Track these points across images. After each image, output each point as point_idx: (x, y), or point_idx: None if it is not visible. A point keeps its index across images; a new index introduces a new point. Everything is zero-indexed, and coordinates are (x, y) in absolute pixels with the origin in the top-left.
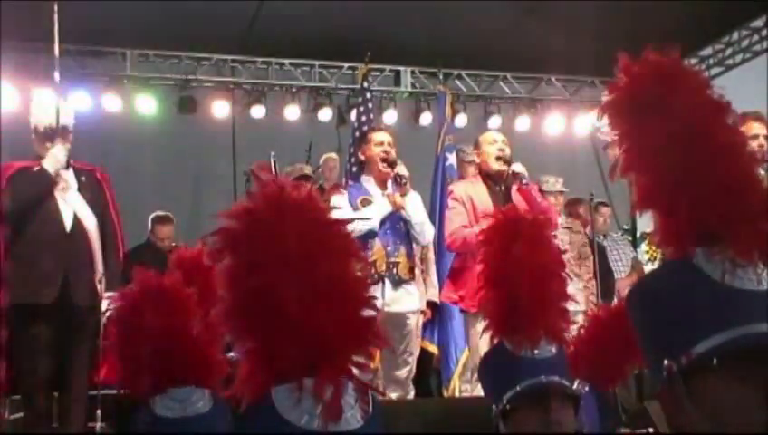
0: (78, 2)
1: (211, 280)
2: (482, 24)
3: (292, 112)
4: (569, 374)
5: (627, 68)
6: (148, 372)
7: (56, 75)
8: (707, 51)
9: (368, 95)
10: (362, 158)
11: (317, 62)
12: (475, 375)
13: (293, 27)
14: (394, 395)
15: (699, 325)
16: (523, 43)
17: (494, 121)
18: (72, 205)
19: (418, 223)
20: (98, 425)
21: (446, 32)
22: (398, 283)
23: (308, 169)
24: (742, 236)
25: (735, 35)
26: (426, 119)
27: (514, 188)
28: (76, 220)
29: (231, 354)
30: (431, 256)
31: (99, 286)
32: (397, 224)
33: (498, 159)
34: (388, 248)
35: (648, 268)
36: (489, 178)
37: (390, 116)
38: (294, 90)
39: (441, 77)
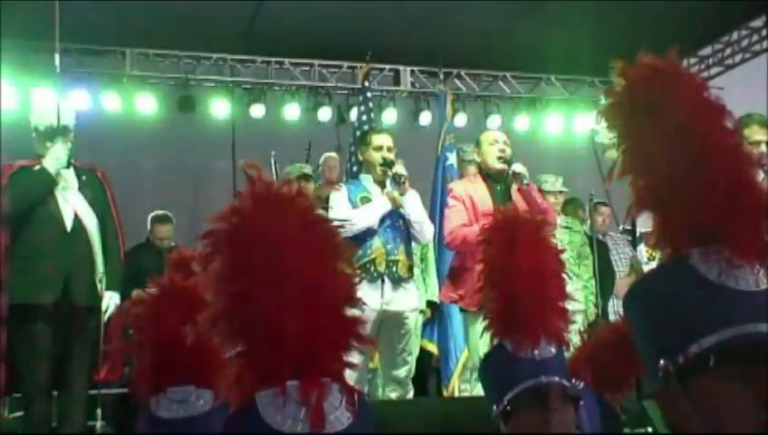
0: (78, 1)
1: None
2: (481, 24)
3: (292, 111)
4: (568, 374)
5: (623, 72)
6: (157, 372)
7: (56, 68)
8: (707, 50)
9: (368, 94)
10: (361, 159)
11: (317, 62)
12: (475, 375)
13: (293, 27)
14: (393, 395)
15: (695, 325)
16: (522, 43)
17: (494, 121)
18: (72, 204)
19: (417, 222)
20: (98, 424)
21: (445, 31)
22: (397, 281)
23: (308, 169)
24: (738, 236)
25: (735, 35)
26: (425, 118)
27: (514, 187)
28: (77, 220)
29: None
30: (431, 255)
31: (99, 286)
32: (396, 222)
33: (499, 158)
34: (388, 247)
35: (647, 268)
36: (489, 177)
37: (390, 115)
38: (294, 89)
39: (441, 76)
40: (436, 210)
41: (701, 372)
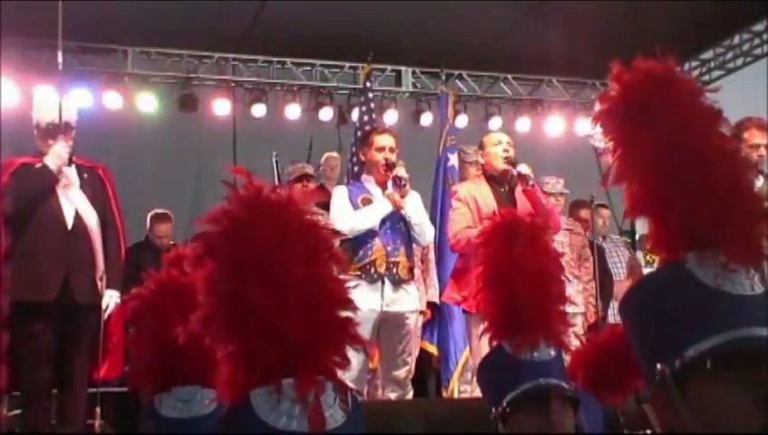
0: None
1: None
2: (483, 25)
3: (293, 111)
4: (568, 377)
5: (618, 76)
6: (159, 370)
7: (59, 66)
8: (708, 54)
9: (370, 95)
10: (363, 159)
11: (318, 62)
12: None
13: (295, 26)
14: (393, 395)
15: (692, 329)
16: (524, 45)
17: (495, 122)
18: (73, 202)
19: (418, 224)
20: (97, 423)
21: (447, 32)
22: (397, 283)
23: (309, 169)
24: (733, 240)
25: (737, 39)
26: (426, 119)
27: (519, 189)
28: (78, 217)
29: None
30: (431, 256)
31: (100, 284)
32: (397, 224)
33: (504, 159)
34: (389, 248)
35: (645, 271)
36: (493, 179)
37: (391, 116)
38: (295, 89)
39: (443, 78)
40: (437, 212)
41: (698, 376)
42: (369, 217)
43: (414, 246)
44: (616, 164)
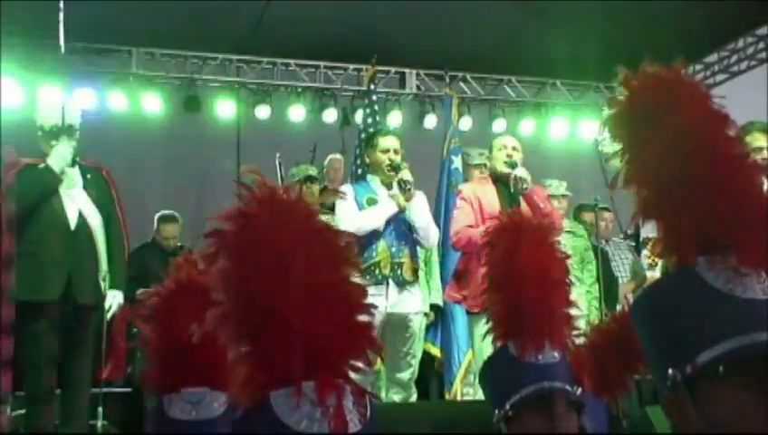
0: (84, 0)
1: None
2: (487, 28)
3: (297, 113)
4: (572, 380)
5: (627, 81)
6: (170, 371)
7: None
8: (712, 58)
9: (374, 97)
10: (368, 161)
11: (322, 63)
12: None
13: (299, 28)
14: (396, 397)
15: (703, 334)
16: (528, 47)
17: (499, 125)
18: (77, 203)
19: (422, 227)
20: (99, 423)
21: (451, 35)
22: (401, 284)
23: (313, 170)
24: (745, 244)
25: (741, 42)
26: (430, 121)
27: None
28: (81, 218)
29: None
30: (435, 257)
31: (103, 285)
32: (401, 225)
33: (504, 162)
34: (393, 250)
35: (648, 274)
36: (499, 180)
37: (395, 118)
38: (299, 90)
39: (448, 80)
40: (441, 214)
41: (709, 381)
42: (374, 218)
43: (418, 247)
44: (625, 168)
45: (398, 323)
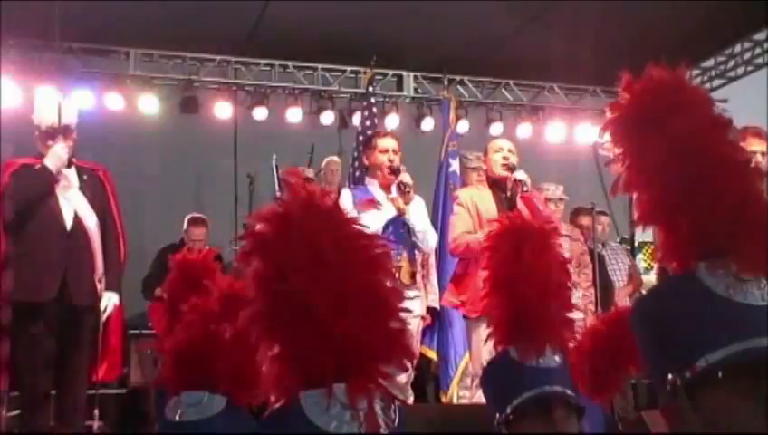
0: (82, 1)
1: (213, 285)
2: (485, 31)
3: (295, 115)
4: (573, 385)
5: (628, 85)
6: (184, 376)
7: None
8: (710, 62)
9: (372, 99)
10: (367, 163)
11: (320, 65)
12: (475, 382)
13: (297, 30)
14: None
15: (703, 340)
16: (525, 51)
17: (496, 128)
18: (73, 203)
19: (421, 231)
20: (95, 424)
21: (449, 38)
22: None
23: (310, 173)
24: (745, 250)
25: (738, 47)
26: (428, 124)
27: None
28: (77, 219)
29: None
30: (432, 261)
31: (98, 286)
32: (400, 229)
33: (502, 166)
34: (391, 253)
35: (645, 277)
36: (495, 184)
37: (392, 121)
38: (297, 92)
39: (445, 83)
40: (438, 217)
41: (709, 386)
42: (371, 221)
43: (417, 251)
44: (625, 173)
45: None
